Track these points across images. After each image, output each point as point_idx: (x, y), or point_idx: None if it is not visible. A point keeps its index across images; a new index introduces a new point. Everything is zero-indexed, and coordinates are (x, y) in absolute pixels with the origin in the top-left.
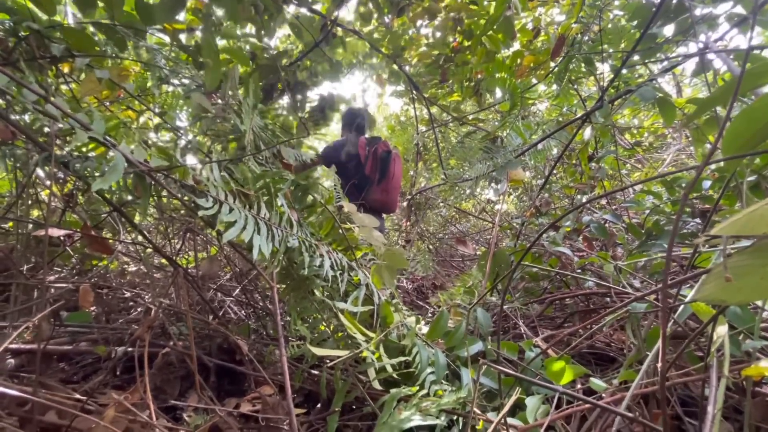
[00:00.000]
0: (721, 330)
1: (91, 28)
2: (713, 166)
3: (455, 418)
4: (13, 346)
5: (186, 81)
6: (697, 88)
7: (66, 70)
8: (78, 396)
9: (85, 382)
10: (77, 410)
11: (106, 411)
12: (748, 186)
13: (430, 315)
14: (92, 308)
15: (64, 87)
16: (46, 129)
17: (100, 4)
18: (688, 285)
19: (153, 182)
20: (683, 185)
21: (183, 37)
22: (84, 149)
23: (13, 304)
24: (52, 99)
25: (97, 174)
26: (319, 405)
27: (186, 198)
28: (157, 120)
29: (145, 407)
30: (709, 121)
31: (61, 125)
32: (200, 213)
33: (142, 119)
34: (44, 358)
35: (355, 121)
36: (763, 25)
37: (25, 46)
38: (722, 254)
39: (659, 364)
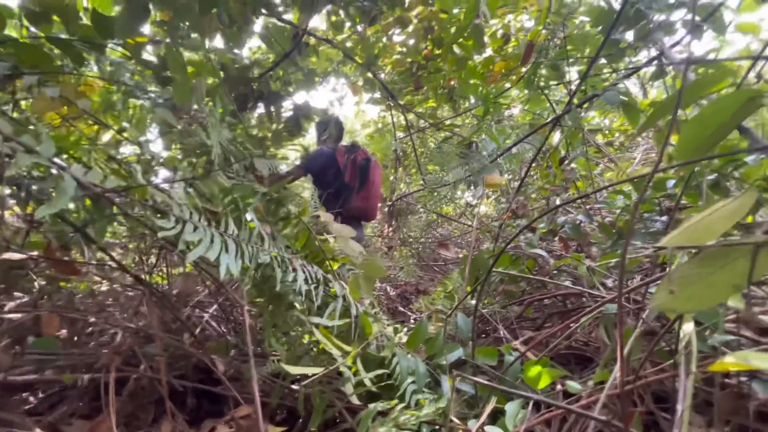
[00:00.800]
0: (687, 327)
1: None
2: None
3: (437, 428)
4: None
5: (153, 95)
6: (662, 89)
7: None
8: (39, 431)
9: (51, 413)
10: None
11: None
12: (708, 184)
13: (413, 321)
14: (59, 333)
15: (25, 102)
16: None
17: (57, 19)
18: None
19: (110, 204)
20: (649, 185)
21: (150, 48)
22: (42, 170)
23: None
24: None
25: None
26: (300, 421)
27: (148, 219)
28: (121, 136)
29: None
30: (668, 124)
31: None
32: (160, 234)
33: (108, 135)
34: (7, 389)
35: (329, 128)
36: (717, 30)
37: None
38: (672, 265)
39: (617, 368)
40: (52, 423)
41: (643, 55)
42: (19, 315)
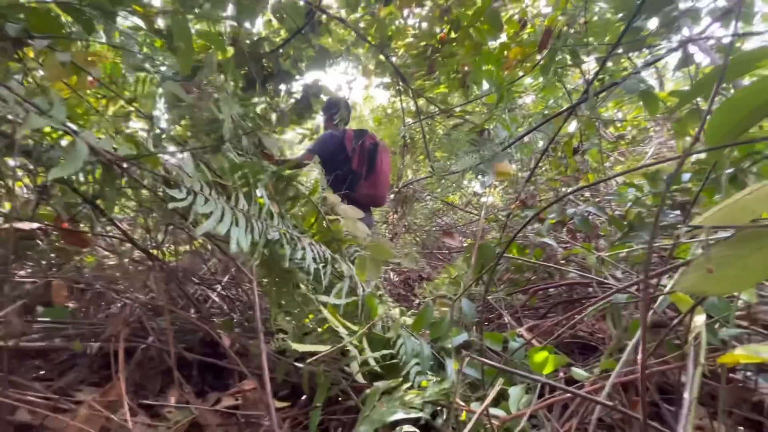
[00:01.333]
0: (699, 320)
1: (59, 10)
2: (693, 158)
3: (439, 409)
4: None
5: (163, 68)
6: (679, 81)
7: (33, 55)
8: (49, 395)
9: (61, 379)
10: (50, 409)
11: (78, 410)
12: (726, 178)
13: (416, 306)
14: (69, 303)
15: (40, 73)
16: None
17: None
18: (667, 275)
19: (122, 173)
20: (664, 177)
21: (162, 21)
22: (53, 137)
23: None
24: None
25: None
26: (304, 397)
27: (159, 190)
28: (131, 107)
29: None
30: (689, 114)
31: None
32: (171, 205)
33: (117, 107)
34: (18, 356)
35: (340, 110)
36: (746, 19)
37: None
38: (703, 245)
39: (638, 356)
40: (62, 388)
41: (663, 45)
42: (29, 283)
